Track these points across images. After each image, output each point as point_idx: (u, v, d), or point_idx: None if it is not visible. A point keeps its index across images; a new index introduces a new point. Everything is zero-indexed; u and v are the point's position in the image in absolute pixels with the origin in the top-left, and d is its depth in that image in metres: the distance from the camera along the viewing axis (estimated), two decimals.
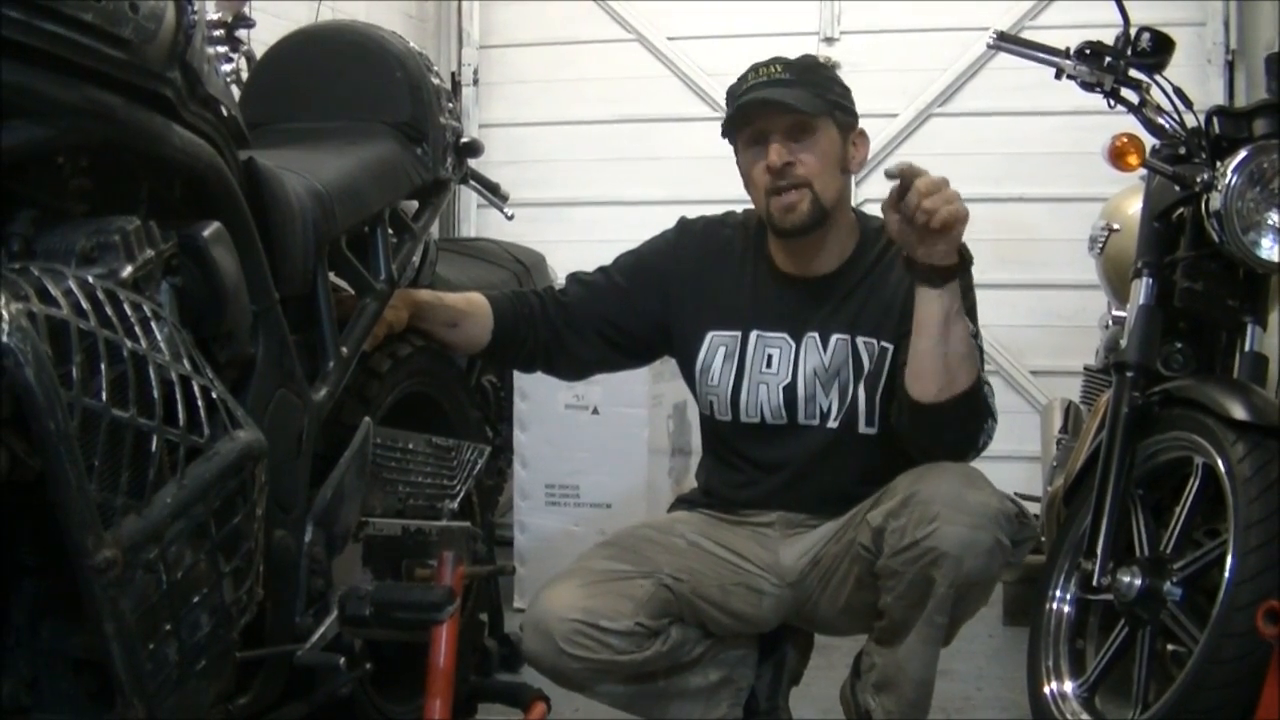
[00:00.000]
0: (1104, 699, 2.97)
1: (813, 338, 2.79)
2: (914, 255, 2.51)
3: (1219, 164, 2.96)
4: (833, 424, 2.77)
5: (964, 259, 2.54)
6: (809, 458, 2.80)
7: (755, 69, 2.77)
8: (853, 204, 2.93)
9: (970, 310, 2.73)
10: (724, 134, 2.82)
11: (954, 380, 2.54)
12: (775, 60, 2.77)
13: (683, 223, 3.00)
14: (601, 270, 2.98)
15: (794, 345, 2.79)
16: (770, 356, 2.81)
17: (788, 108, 2.69)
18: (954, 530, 2.45)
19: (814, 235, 2.77)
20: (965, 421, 2.59)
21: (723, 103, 2.88)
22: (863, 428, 2.76)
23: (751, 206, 2.92)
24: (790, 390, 2.78)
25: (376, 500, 2.61)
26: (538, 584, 2.80)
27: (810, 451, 2.80)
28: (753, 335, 2.82)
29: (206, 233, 1.93)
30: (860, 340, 2.76)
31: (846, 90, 2.82)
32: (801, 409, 2.78)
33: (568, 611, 2.60)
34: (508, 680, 3.26)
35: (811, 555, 2.76)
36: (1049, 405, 4.97)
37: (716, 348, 2.85)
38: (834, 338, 2.77)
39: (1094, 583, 2.89)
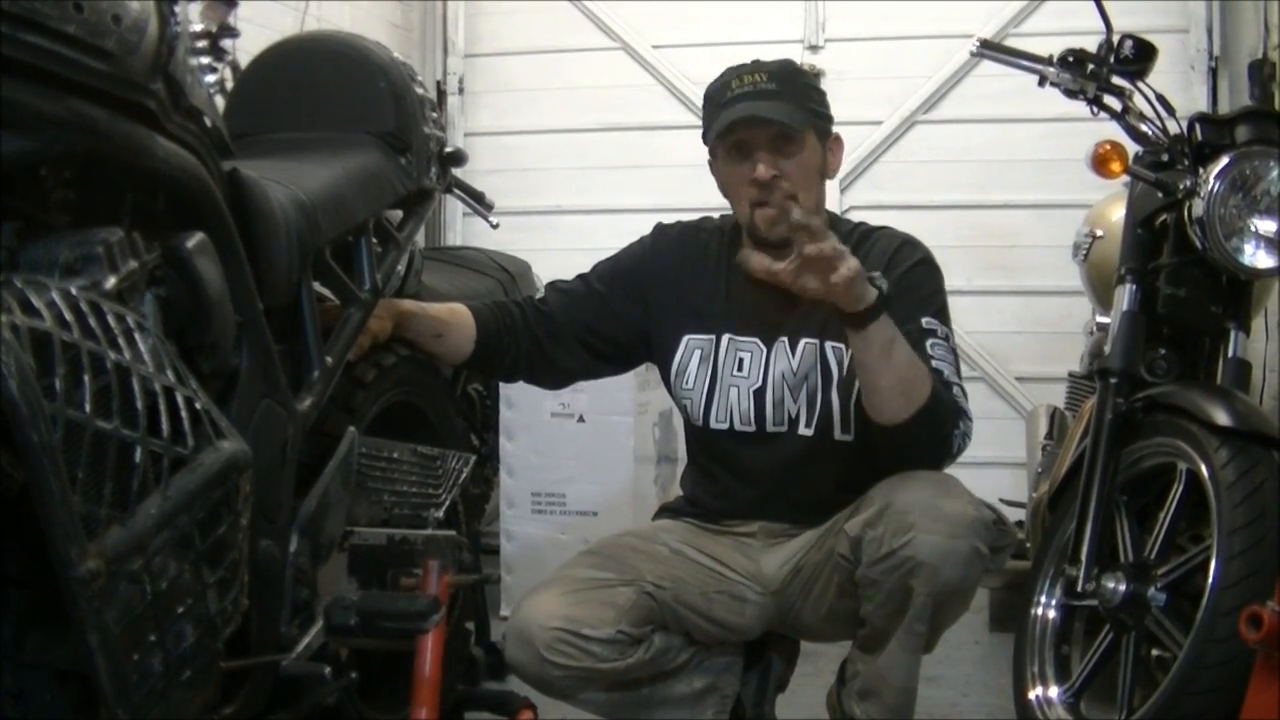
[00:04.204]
0: (1089, 704, 2.98)
1: (783, 342, 2.79)
2: (837, 303, 2.47)
3: (1201, 170, 2.97)
4: (806, 430, 2.78)
5: (881, 293, 2.49)
6: (783, 467, 2.80)
7: (738, 75, 2.75)
8: (832, 209, 2.93)
9: (940, 312, 2.75)
10: (705, 139, 2.82)
11: (911, 399, 2.54)
12: (757, 67, 2.76)
13: (659, 228, 3.01)
14: (580, 278, 2.99)
15: (765, 350, 2.80)
16: (742, 360, 2.81)
17: (778, 124, 2.70)
18: (931, 539, 2.45)
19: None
20: (935, 429, 2.59)
21: None
22: (839, 434, 2.77)
23: (729, 211, 2.93)
24: (760, 394, 2.79)
25: (362, 510, 2.61)
26: (524, 592, 2.80)
27: (785, 461, 2.80)
28: (725, 339, 2.82)
29: (190, 244, 1.93)
30: (829, 345, 2.76)
31: (823, 95, 2.82)
32: (770, 414, 2.78)
33: (549, 620, 2.60)
34: (494, 688, 3.26)
35: (793, 564, 2.76)
36: (1034, 411, 4.98)
37: (692, 351, 2.86)
38: (803, 342, 2.78)
39: (1079, 588, 2.90)
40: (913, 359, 2.55)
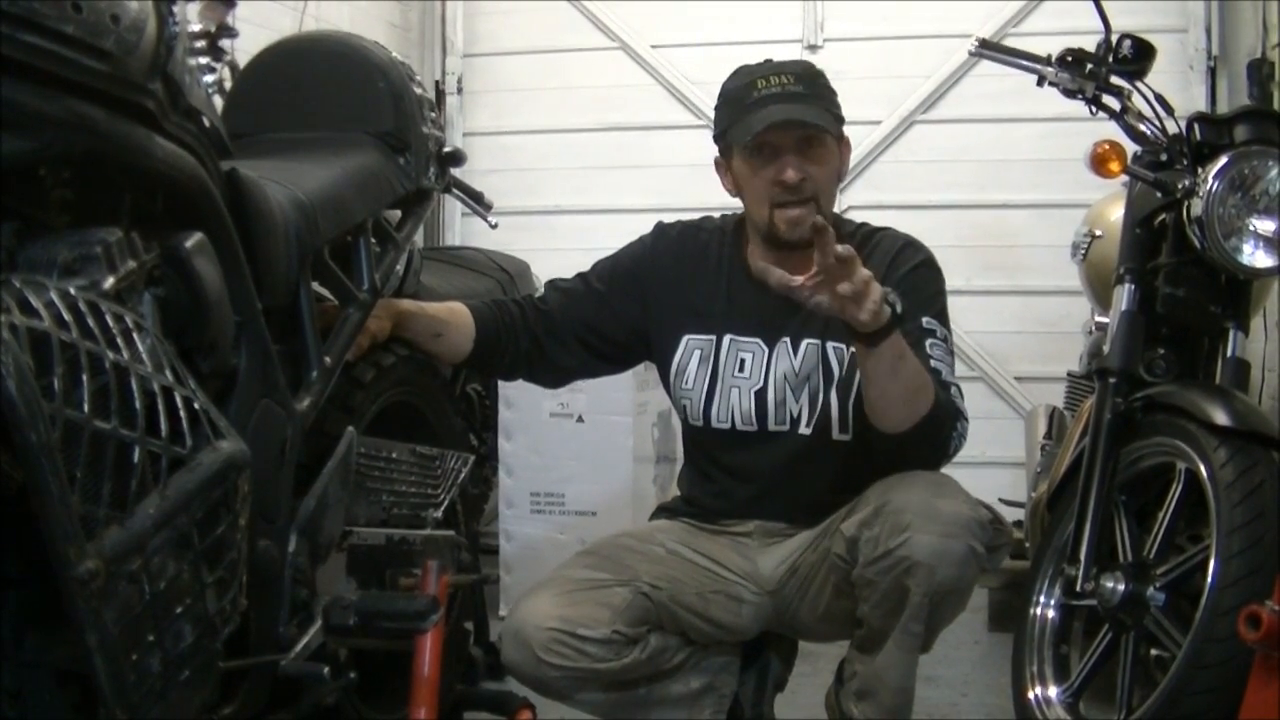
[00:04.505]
0: (1088, 704, 2.98)
1: (785, 343, 2.79)
2: (850, 321, 2.43)
3: (1200, 170, 2.97)
4: (805, 430, 2.78)
5: (895, 311, 2.46)
6: (781, 466, 2.80)
7: (763, 76, 2.74)
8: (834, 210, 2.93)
9: (940, 314, 2.75)
10: (722, 137, 2.82)
11: (915, 409, 2.54)
12: (780, 68, 2.75)
13: (659, 227, 3.00)
14: (580, 276, 2.99)
15: (767, 350, 2.80)
16: (743, 361, 2.81)
17: (814, 127, 2.70)
18: (926, 539, 2.46)
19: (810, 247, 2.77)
20: (935, 434, 2.59)
21: (706, 110, 2.87)
22: (836, 434, 2.77)
23: (729, 211, 2.92)
24: (761, 395, 2.79)
25: (360, 509, 2.61)
26: (523, 592, 2.80)
27: (783, 459, 2.80)
28: (726, 339, 2.82)
29: (189, 243, 1.92)
30: (830, 346, 2.76)
31: (837, 96, 2.82)
32: (772, 414, 2.78)
33: (545, 620, 2.61)
34: (493, 688, 3.26)
35: (789, 564, 2.77)
36: (1033, 411, 4.97)
37: (692, 351, 2.85)
38: (805, 343, 2.78)
39: (1078, 588, 2.90)
40: (919, 370, 2.55)
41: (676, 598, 2.72)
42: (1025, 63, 3.29)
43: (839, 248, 2.33)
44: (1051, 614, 3.09)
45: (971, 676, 4.06)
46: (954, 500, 2.52)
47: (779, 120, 2.68)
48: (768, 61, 2.79)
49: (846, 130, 2.84)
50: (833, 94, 2.80)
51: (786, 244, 2.74)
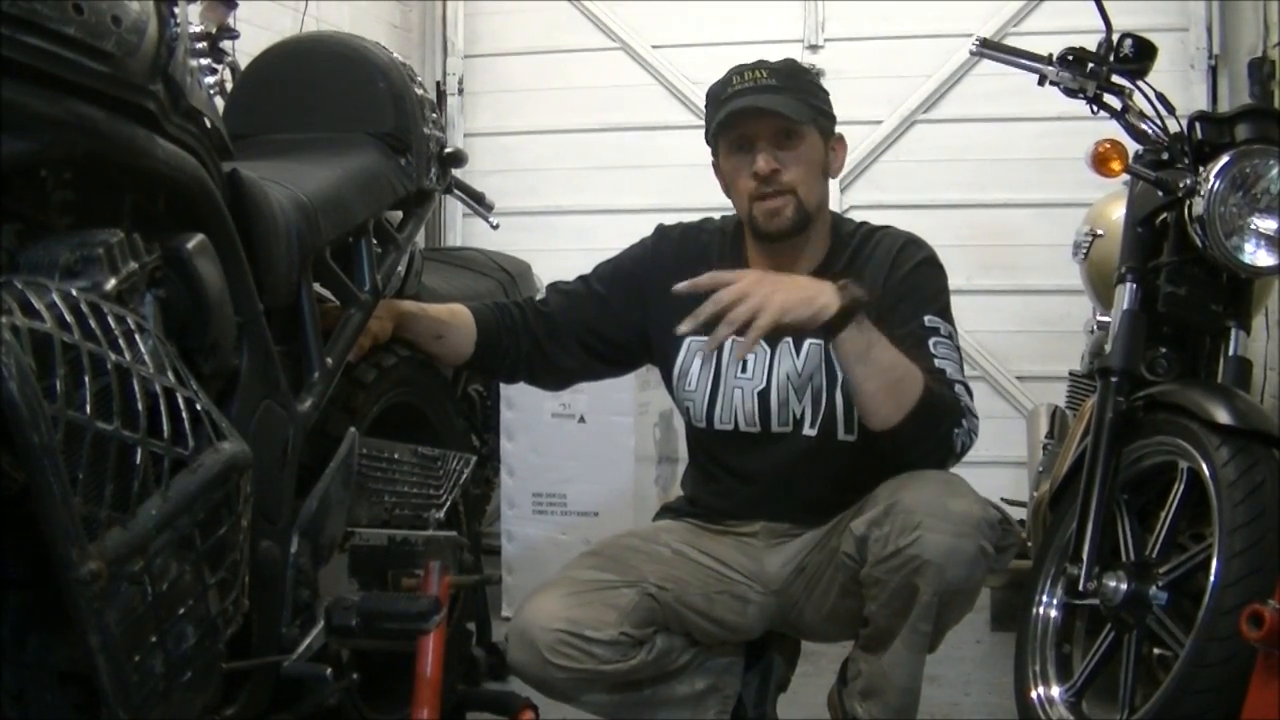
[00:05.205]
0: (1091, 703, 2.97)
1: (787, 343, 2.78)
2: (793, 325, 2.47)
3: (1201, 169, 2.97)
4: (809, 430, 2.77)
5: (853, 297, 2.47)
6: (785, 466, 2.80)
7: (740, 72, 2.76)
8: (833, 210, 2.93)
9: (943, 311, 2.75)
10: (707, 137, 2.83)
11: (900, 402, 2.53)
12: (760, 65, 2.77)
13: (660, 229, 3.00)
14: (581, 279, 2.99)
15: (769, 350, 2.80)
16: (745, 361, 2.81)
17: (779, 115, 2.70)
18: (937, 538, 2.45)
19: (796, 240, 2.77)
20: (932, 429, 2.58)
21: None
22: (842, 434, 2.76)
23: (729, 212, 2.93)
24: (764, 395, 2.79)
25: (362, 510, 2.61)
26: (525, 593, 2.80)
27: (787, 460, 2.80)
28: (728, 340, 2.82)
29: (190, 245, 1.93)
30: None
31: (827, 95, 2.83)
32: (775, 415, 2.78)
33: (552, 621, 2.60)
34: (495, 689, 3.26)
35: (796, 563, 2.76)
36: (1035, 410, 4.98)
37: (694, 353, 2.86)
38: (808, 343, 2.77)
39: (1080, 587, 2.89)
40: (897, 361, 2.54)
41: (682, 598, 2.72)
42: (1026, 62, 3.29)
43: (694, 317, 2.44)
44: (1054, 613, 3.08)
45: (974, 676, 4.06)
46: (965, 500, 2.51)
47: (738, 109, 2.70)
48: (756, 61, 2.80)
49: (846, 130, 2.85)
50: (816, 88, 2.81)
51: (768, 236, 2.75)
